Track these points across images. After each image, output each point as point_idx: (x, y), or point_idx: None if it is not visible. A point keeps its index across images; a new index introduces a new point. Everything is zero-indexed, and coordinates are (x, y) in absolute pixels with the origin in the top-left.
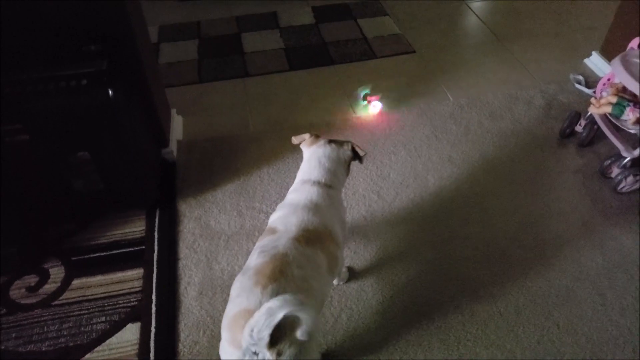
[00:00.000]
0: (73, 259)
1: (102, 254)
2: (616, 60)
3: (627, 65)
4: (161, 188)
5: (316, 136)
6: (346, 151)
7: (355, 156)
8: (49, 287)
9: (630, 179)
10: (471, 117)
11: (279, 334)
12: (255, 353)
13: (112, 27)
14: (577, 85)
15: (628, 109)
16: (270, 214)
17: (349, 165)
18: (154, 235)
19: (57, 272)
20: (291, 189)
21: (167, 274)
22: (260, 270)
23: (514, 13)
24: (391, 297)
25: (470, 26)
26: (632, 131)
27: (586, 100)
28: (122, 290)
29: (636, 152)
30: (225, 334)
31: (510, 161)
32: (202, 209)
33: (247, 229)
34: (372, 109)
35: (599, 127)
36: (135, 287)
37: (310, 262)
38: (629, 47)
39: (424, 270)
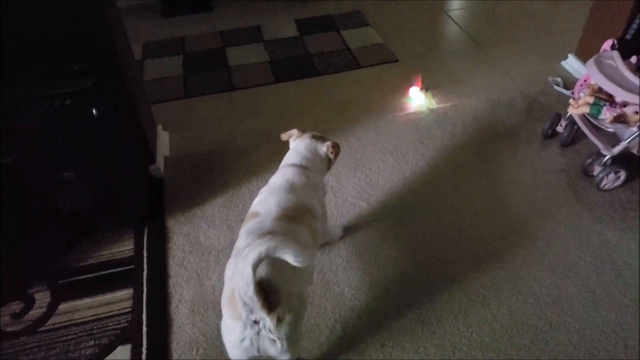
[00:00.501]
0: (60, 282)
1: (90, 275)
2: (591, 62)
3: (601, 66)
4: (149, 205)
5: (302, 131)
6: (322, 147)
7: (331, 152)
8: (35, 312)
9: (611, 176)
10: (455, 122)
11: (275, 299)
12: (256, 322)
13: (96, 46)
14: (556, 87)
15: (605, 108)
16: None
17: (328, 160)
18: (142, 254)
19: (42, 297)
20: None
21: (157, 292)
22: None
23: (492, 19)
24: (385, 304)
25: (450, 34)
26: (610, 130)
27: (565, 102)
28: (112, 311)
29: (615, 150)
30: (225, 310)
31: (496, 163)
32: (191, 225)
33: None
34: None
35: (579, 127)
36: (125, 308)
37: (295, 237)
38: (602, 49)
39: (417, 276)
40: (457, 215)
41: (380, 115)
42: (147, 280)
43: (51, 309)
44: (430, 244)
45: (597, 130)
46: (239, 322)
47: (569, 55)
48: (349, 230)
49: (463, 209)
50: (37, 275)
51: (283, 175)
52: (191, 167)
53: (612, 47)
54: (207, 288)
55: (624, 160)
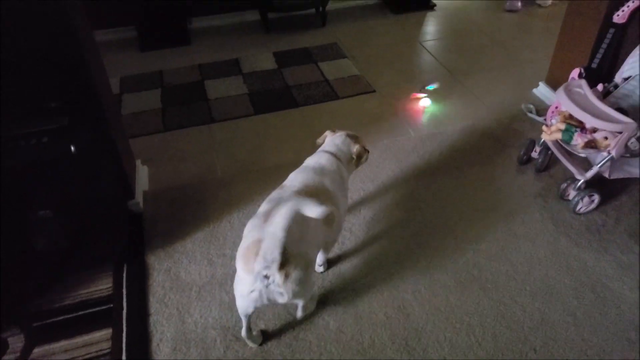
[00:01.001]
0: (34, 324)
1: (66, 316)
2: (560, 90)
3: (570, 94)
4: (128, 242)
5: (334, 131)
6: (355, 146)
7: (365, 151)
8: (8, 358)
9: (586, 199)
10: (433, 150)
11: (285, 259)
12: (266, 276)
13: (73, 83)
14: (529, 114)
15: (576, 134)
16: None
17: (357, 160)
18: (122, 292)
19: (16, 341)
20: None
21: (137, 332)
22: (267, 212)
23: (464, 50)
24: (370, 336)
25: (425, 64)
26: (582, 155)
27: (539, 128)
28: (89, 354)
29: (588, 175)
30: (239, 264)
31: (474, 189)
32: (171, 261)
33: (218, 278)
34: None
35: (553, 153)
36: (104, 349)
37: None
38: (570, 78)
39: (401, 306)
40: (439, 242)
41: None
42: (126, 319)
43: (25, 353)
44: (413, 271)
45: (570, 155)
46: (251, 275)
47: (540, 83)
48: (332, 259)
49: (444, 235)
50: (10, 318)
51: (317, 158)
52: (171, 201)
53: (580, 75)
54: (189, 325)
55: (597, 184)
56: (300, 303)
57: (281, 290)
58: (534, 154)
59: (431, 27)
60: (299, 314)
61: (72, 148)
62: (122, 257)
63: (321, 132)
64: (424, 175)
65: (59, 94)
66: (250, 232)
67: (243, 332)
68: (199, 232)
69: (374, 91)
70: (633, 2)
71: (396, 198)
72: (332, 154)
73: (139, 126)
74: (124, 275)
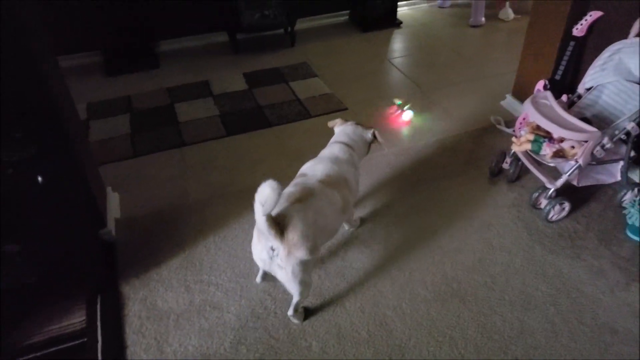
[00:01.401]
0: None
1: (37, 354)
2: (527, 102)
3: (537, 106)
4: (101, 272)
5: (345, 120)
6: (368, 133)
7: (375, 139)
8: None
9: (557, 207)
10: (406, 164)
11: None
12: (273, 248)
13: (39, 112)
14: (498, 126)
15: (545, 144)
16: (221, 284)
17: (369, 146)
18: (96, 325)
19: None
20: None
21: None
22: (291, 193)
23: (431, 65)
24: (354, 355)
25: (394, 81)
26: (552, 164)
27: (508, 139)
28: None
29: (558, 183)
30: (255, 232)
31: (449, 203)
32: (147, 289)
33: (197, 305)
34: (405, 116)
35: (523, 163)
36: None
37: (328, 197)
38: (535, 89)
39: (383, 322)
40: (417, 256)
41: None
42: (102, 352)
43: None
44: (394, 286)
45: (539, 165)
46: (260, 243)
47: (507, 95)
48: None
49: (422, 249)
50: None
51: (332, 149)
52: (144, 228)
53: (545, 87)
54: (167, 355)
55: (566, 192)
56: (294, 297)
57: (282, 265)
58: (505, 165)
59: (398, 44)
60: (290, 311)
61: (39, 178)
62: (95, 288)
63: (295, 152)
64: (399, 190)
65: (23, 123)
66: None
67: (257, 278)
68: (174, 258)
69: (346, 109)
70: (590, 16)
71: (372, 214)
72: (344, 143)
73: (108, 152)
74: (98, 306)
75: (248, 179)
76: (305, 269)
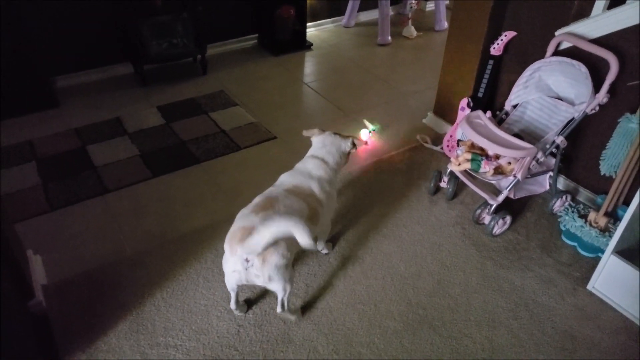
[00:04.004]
0: None
1: None
2: (464, 123)
3: (472, 125)
4: (37, 351)
5: (323, 130)
6: (347, 142)
7: (354, 147)
8: None
9: (500, 221)
10: (346, 191)
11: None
12: (247, 260)
13: None
14: (426, 145)
15: (483, 162)
16: (179, 345)
17: (347, 155)
18: None
19: None
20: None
21: None
22: (256, 204)
23: (348, 87)
24: None
25: (317, 105)
26: (493, 181)
27: (438, 156)
28: None
29: (500, 199)
30: (226, 245)
31: (396, 226)
32: None
33: None
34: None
35: (460, 181)
36: None
37: (293, 204)
38: (460, 107)
39: (348, 347)
40: (378, 286)
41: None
42: None
43: None
44: (363, 322)
45: (475, 181)
46: (234, 257)
47: (428, 113)
48: (277, 325)
49: (382, 278)
50: None
51: (305, 164)
52: (78, 292)
53: (468, 105)
54: None
55: (504, 205)
56: (278, 294)
57: (258, 273)
58: (442, 184)
59: (312, 67)
60: (278, 309)
61: None
62: None
63: (231, 189)
64: (345, 219)
65: None
66: (239, 219)
67: (231, 304)
68: (121, 322)
69: (276, 137)
70: (505, 35)
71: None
72: (319, 158)
73: (18, 209)
74: None
75: (186, 224)
76: (281, 271)
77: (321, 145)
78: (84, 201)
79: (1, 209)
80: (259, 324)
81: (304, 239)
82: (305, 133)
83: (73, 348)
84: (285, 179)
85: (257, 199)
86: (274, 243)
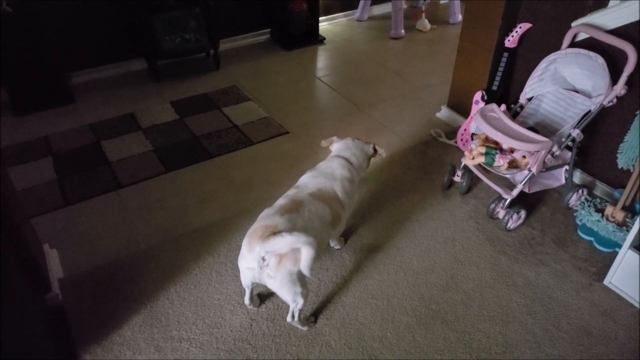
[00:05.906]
0: None
1: None
2: (478, 116)
3: (487, 119)
4: (53, 344)
5: (341, 137)
6: (369, 147)
7: (375, 152)
8: None
9: (515, 216)
10: (361, 187)
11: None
12: (264, 258)
13: None
14: (439, 139)
15: (497, 156)
16: (193, 338)
17: (369, 159)
18: None
19: None
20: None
21: None
22: (281, 206)
23: (361, 81)
24: None
25: (330, 100)
26: (507, 176)
27: (452, 150)
28: None
29: (514, 193)
30: (245, 243)
31: (409, 220)
32: (111, 355)
33: None
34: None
35: (474, 174)
36: None
37: (318, 210)
38: (474, 100)
39: (372, 356)
40: (390, 281)
41: (284, 191)
42: None
43: None
44: (376, 317)
45: (490, 175)
46: (251, 254)
47: (442, 107)
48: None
49: (395, 273)
50: None
51: (330, 163)
52: (94, 285)
53: (482, 98)
54: None
55: (518, 199)
56: (290, 303)
57: (272, 274)
58: (457, 178)
59: (325, 61)
60: (288, 318)
61: None
62: None
63: (243, 184)
64: (358, 213)
65: None
66: (263, 218)
67: (245, 300)
68: (135, 316)
69: (288, 132)
70: (520, 27)
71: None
72: (344, 158)
73: (34, 204)
74: None
75: (199, 219)
76: (294, 278)
77: (345, 147)
78: (98, 196)
79: (18, 204)
80: (272, 318)
81: (306, 264)
82: (324, 143)
83: (89, 341)
84: (309, 181)
85: (281, 200)
86: (295, 250)
